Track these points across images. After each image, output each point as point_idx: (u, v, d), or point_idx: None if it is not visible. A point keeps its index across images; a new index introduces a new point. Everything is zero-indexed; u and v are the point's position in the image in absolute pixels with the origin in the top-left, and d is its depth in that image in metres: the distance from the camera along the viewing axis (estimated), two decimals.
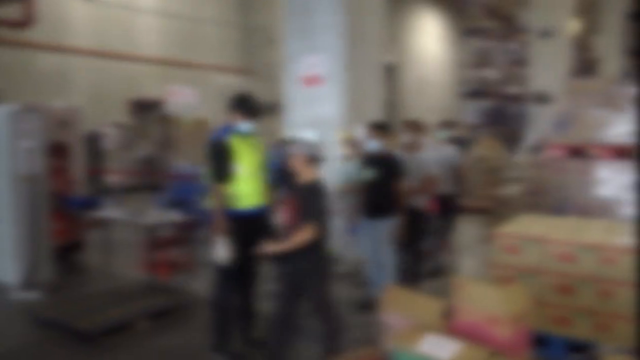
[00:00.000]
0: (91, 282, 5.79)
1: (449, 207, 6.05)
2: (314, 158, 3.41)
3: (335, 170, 5.79)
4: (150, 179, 8.77)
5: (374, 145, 4.79)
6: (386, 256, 4.77)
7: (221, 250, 3.64)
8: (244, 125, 3.82)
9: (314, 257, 3.40)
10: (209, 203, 3.77)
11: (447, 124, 6.66)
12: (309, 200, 3.34)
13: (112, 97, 11.24)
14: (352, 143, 5.75)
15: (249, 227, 3.77)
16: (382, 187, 4.71)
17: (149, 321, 4.41)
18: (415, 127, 5.39)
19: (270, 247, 3.36)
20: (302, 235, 3.28)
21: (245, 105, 3.85)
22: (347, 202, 5.39)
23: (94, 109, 9.99)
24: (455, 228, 6.39)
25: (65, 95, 10.26)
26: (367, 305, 4.75)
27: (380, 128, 4.86)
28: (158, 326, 4.40)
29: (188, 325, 4.51)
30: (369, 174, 4.79)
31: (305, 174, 3.40)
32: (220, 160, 3.70)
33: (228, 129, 3.86)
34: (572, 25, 12.86)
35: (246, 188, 3.76)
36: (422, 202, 5.20)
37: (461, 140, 7.11)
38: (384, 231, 4.74)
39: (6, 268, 5.61)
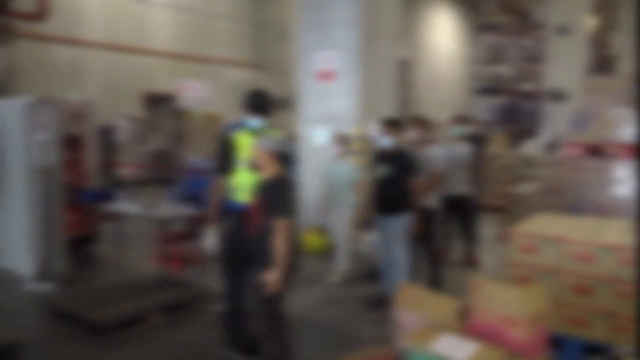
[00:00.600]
0: (104, 275, 5.82)
1: (460, 208, 5.91)
2: (279, 154, 3.32)
3: (329, 170, 5.78)
4: (163, 173, 8.78)
5: (387, 141, 4.74)
6: (398, 254, 4.72)
7: (208, 240, 3.74)
8: (254, 121, 3.83)
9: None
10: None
11: (461, 120, 6.33)
12: (274, 196, 3.25)
13: (125, 91, 11.28)
14: (342, 140, 5.72)
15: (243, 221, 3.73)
16: (395, 183, 4.67)
17: (161, 315, 4.41)
18: (422, 123, 5.32)
19: (270, 277, 3.19)
20: (281, 236, 3.17)
21: (255, 102, 3.87)
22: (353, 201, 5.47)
23: (108, 101, 10.03)
24: (473, 233, 6.17)
25: (79, 88, 10.31)
26: (380, 303, 4.72)
27: (393, 124, 4.81)
28: (170, 320, 4.40)
29: (199, 320, 4.51)
30: (382, 170, 4.76)
31: (269, 168, 3.31)
32: (222, 154, 3.76)
33: (239, 124, 3.87)
34: (589, 22, 12.68)
35: (245, 182, 3.73)
36: (430, 200, 5.13)
37: (477, 137, 6.80)
38: (397, 228, 4.70)
39: (20, 260, 5.65)
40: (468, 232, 6.09)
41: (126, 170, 8.06)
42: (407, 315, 3.09)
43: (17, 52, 9.57)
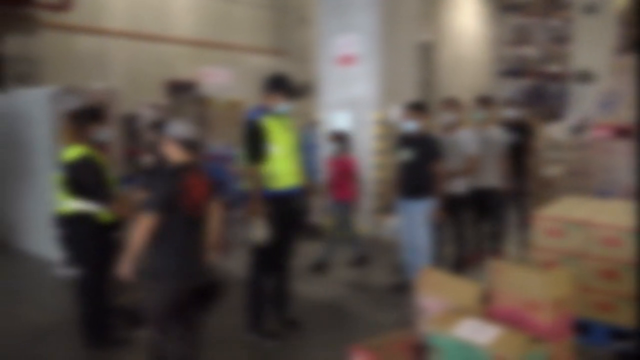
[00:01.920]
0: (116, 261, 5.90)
1: (488, 203, 5.34)
2: (186, 142, 3.05)
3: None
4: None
5: (410, 125, 4.69)
6: (421, 239, 4.68)
7: (258, 232, 3.65)
8: (282, 105, 3.78)
9: (168, 257, 2.99)
10: (245, 184, 3.77)
11: (484, 102, 5.57)
12: (153, 187, 3.00)
13: (148, 79, 11.37)
14: (336, 138, 5.58)
15: (285, 207, 3.77)
16: (418, 168, 4.61)
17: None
18: (454, 105, 5.20)
19: (123, 266, 3.00)
20: (138, 229, 2.90)
21: (285, 86, 3.81)
22: None
23: (131, 90, 10.12)
24: (500, 229, 5.55)
25: (102, 77, 10.43)
26: (402, 288, 4.71)
27: (417, 108, 4.75)
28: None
29: (222, 305, 4.56)
30: (405, 154, 4.70)
31: (175, 157, 3.06)
32: (254, 141, 3.67)
33: (262, 110, 3.81)
34: (618, 0, 12.29)
35: (282, 168, 3.74)
36: (458, 186, 5.04)
37: (522, 123, 5.92)
38: (420, 213, 4.65)
39: (49, 245, 5.78)
40: (495, 228, 5.53)
41: (149, 158, 8.13)
42: (429, 299, 3.08)
43: (42, 43, 9.70)
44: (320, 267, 5.47)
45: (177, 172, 2.99)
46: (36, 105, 5.85)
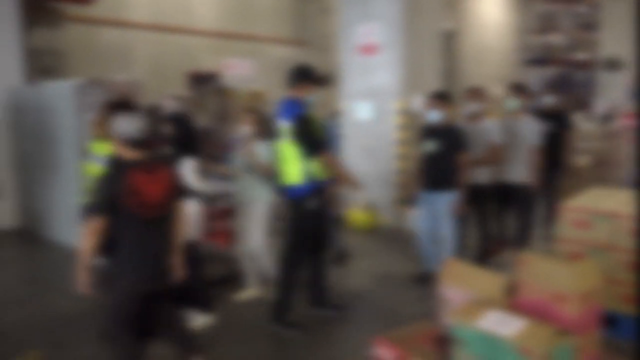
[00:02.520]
0: None
1: (514, 199, 5.09)
2: (132, 140, 2.86)
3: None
4: (208, 151, 8.93)
5: (434, 115, 4.63)
6: (446, 231, 4.64)
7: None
8: (311, 96, 3.84)
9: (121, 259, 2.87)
10: (319, 174, 3.81)
11: (518, 90, 5.11)
12: (96, 189, 2.84)
13: (171, 70, 11.46)
14: (255, 119, 4.60)
15: (322, 198, 3.88)
16: (442, 159, 4.55)
17: (209, 289, 4.51)
18: (480, 95, 5.07)
19: (78, 277, 2.84)
20: (86, 235, 2.77)
21: (312, 76, 3.84)
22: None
23: (154, 82, 10.22)
24: (526, 228, 5.20)
25: (126, 69, 10.55)
26: (423, 280, 4.68)
27: (441, 98, 4.68)
28: (217, 294, 4.50)
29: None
30: (429, 145, 4.64)
31: (124, 155, 2.88)
32: (311, 133, 3.72)
33: (296, 102, 3.79)
34: None
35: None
36: (482, 176, 4.94)
37: (560, 113, 5.57)
38: (444, 205, 4.60)
39: (76, 234, 5.89)
40: (521, 225, 5.19)
41: (168, 150, 8.22)
42: (452, 291, 3.05)
43: (67, 36, 9.85)
44: (341, 258, 5.47)
45: (121, 171, 2.80)
46: (62, 97, 5.94)
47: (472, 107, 5.01)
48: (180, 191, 3.05)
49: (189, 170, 4.03)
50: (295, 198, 3.81)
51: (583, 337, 2.58)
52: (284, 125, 3.77)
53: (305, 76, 3.81)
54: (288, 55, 13.88)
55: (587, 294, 2.64)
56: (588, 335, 2.67)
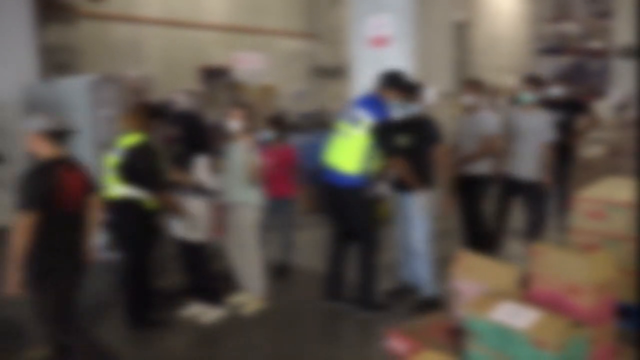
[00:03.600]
0: (168, 245, 6.05)
1: (523, 195, 4.96)
2: (52, 133, 2.91)
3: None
4: (218, 145, 8.99)
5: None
6: (416, 239, 4.18)
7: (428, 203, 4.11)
8: (395, 103, 4.04)
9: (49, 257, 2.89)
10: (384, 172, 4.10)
11: (534, 82, 4.92)
12: (22, 185, 2.85)
13: (182, 65, 11.50)
14: (245, 114, 4.29)
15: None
16: (415, 155, 4.16)
17: (218, 282, 4.54)
18: (477, 87, 4.89)
19: (9, 276, 2.82)
20: (18, 234, 2.75)
21: (404, 83, 4.12)
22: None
23: (166, 77, 10.28)
24: (536, 228, 5.03)
25: (138, 64, 10.60)
26: (397, 295, 4.42)
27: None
28: (226, 288, 4.52)
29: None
30: (401, 140, 4.24)
31: (43, 152, 2.94)
32: (393, 140, 4.03)
33: (384, 103, 4.00)
34: None
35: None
36: (480, 167, 4.75)
37: (574, 104, 5.41)
38: (415, 206, 4.18)
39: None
40: (533, 221, 5.06)
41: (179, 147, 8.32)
42: (465, 282, 3.05)
43: (80, 32, 9.92)
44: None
45: (50, 168, 2.87)
46: (76, 93, 6.00)
47: (468, 99, 4.84)
48: (92, 188, 3.16)
49: (202, 169, 4.05)
50: (346, 186, 3.99)
51: (597, 329, 2.57)
52: (365, 117, 3.93)
53: (397, 82, 4.08)
54: (299, 49, 13.86)
55: (601, 285, 2.63)
56: (602, 327, 2.66)
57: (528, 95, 4.84)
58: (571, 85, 5.98)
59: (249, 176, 4.02)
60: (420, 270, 4.18)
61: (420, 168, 4.14)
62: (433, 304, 4.04)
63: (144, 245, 3.89)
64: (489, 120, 4.80)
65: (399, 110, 4.16)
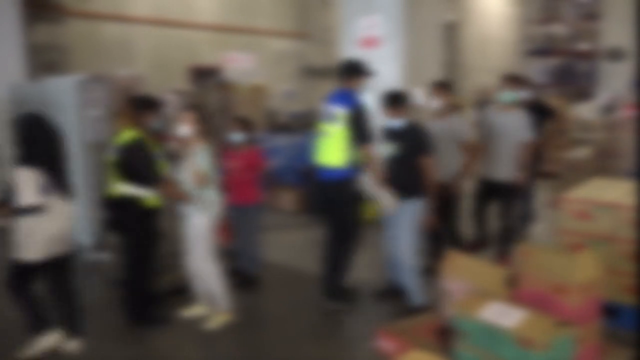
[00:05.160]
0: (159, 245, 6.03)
1: (500, 196, 4.86)
2: None
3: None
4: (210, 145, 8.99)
5: (393, 120, 4.20)
6: (402, 254, 4.03)
7: (387, 201, 3.93)
8: (363, 89, 4.12)
9: None
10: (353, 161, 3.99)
11: (514, 81, 4.83)
12: None
13: (172, 64, 11.47)
14: (196, 118, 3.90)
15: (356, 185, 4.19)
16: (403, 164, 4.00)
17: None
18: (447, 89, 4.66)
19: None
20: None
21: (365, 69, 4.12)
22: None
23: (156, 76, 10.23)
24: (510, 229, 4.92)
25: (128, 64, 10.55)
26: (385, 296, 4.30)
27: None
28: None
29: (250, 288, 4.64)
30: (388, 149, 4.08)
31: None
32: (366, 122, 3.94)
33: (353, 93, 4.01)
34: None
35: None
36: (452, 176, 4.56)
37: (538, 105, 5.36)
38: (406, 216, 4.00)
39: (79, 230, 5.93)
40: (505, 227, 4.92)
41: (175, 144, 8.26)
42: (454, 283, 3.07)
43: (69, 31, 9.86)
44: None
45: None
46: (64, 93, 5.95)
47: (435, 103, 4.61)
48: None
49: (25, 184, 3.71)
50: (335, 180, 4.00)
51: (584, 328, 2.60)
52: (339, 111, 3.94)
53: (358, 70, 4.07)
54: (289, 49, 13.86)
55: (587, 285, 2.66)
56: (589, 326, 2.69)
57: (508, 94, 4.72)
58: (542, 87, 5.96)
59: (195, 182, 3.76)
60: (405, 281, 4.05)
61: (409, 178, 3.98)
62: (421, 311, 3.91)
63: (145, 242, 3.89)
64: (461, 124, 4.61)
65: (390, 122, 4.11)
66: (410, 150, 3.99)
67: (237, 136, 4.57)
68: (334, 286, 4.13)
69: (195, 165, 3.74)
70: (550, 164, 7.34)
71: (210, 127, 4.02)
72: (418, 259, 4.08)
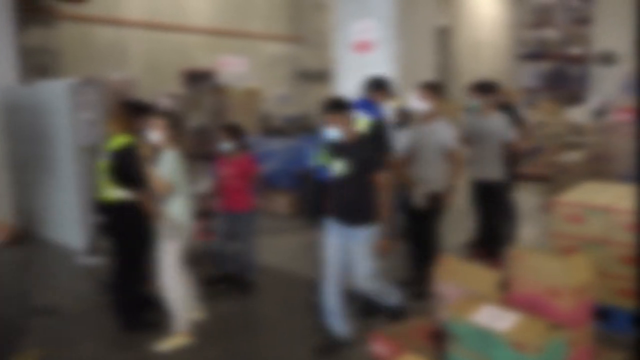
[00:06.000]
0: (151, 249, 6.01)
1: (490, 198, 4.84)
2: None
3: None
4: (203, 149, 8.95)
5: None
6: (364, 281, 3.55)
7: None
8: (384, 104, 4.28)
9: None
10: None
11: (482, 89, 4.89)
12: None
13: (166, 68, 11.44)
14: (165, 124, 3.70)
15: None
16: (355, 184, 3.47)
17: (204, 287, 4.52)
18: (433, 92, 4.45)
19: None
20: None
21: (389, 88, 4.40)
22: None
23: (149, 80, 10.22)
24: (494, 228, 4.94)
25: (121, 67, 10.52)
26: (333, 349, 3.59)
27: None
28: (213, 292, 4.51)
29: (245, 292, 4.62)
30: (336, 166, 3.51)
31: None
32: (387, 137, 4.16)
33: (376, 106, 4.22)
34: None
35: None
36: (436, 185, 4.34)
37: (507, 109, 5.28)
38: (360, 244, 3.47)
39: (72, 234, 5.90)
40: (490, 228, 4.93)
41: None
42: (447, 286, 3.08)
43: (61, 34, 9.81)
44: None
45: None
46: (57, 96, 5.94)
47: (421, 106, 4.41)
48: None
49: None
50: None
51: (576, 331, 2.61)
52: (361, 116, 4.03)
53: (384, 87, 4.34)
54: (283, 53, 13.87)
55: (580, 288, 2.68)
56: (581, 329, 2.70)
57: (475, 102, 4.88)
58: (550, 90, 5.94)
59: (157, 190, 3.59)
60: (372, 293, 3.68)
61: (361, 201, 3.47)
62: (401, 312, 3.81)
63: (138, 247, 3.88)
64: (446, 131, 4.38)
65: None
66: (360, 166, 3.42)
67: (226, 145, 4.51)
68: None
69: (158, 172, 3.60)
70: (542, 167, 7.37)
71: (181, 132, 3.89)
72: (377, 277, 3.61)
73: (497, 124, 4.83)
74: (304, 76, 13.86)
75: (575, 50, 16.34)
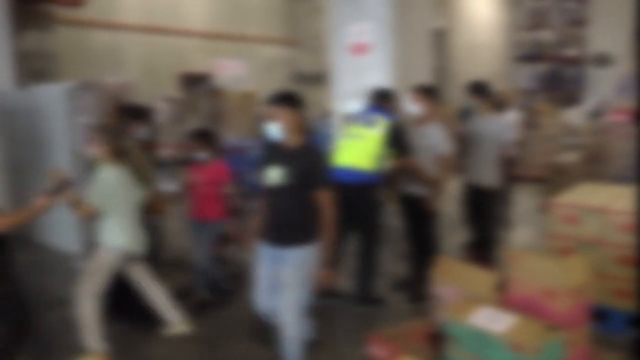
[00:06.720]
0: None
1: (484, 204, 4.77)
2: None
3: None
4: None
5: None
6: (289, 319, 2.94)
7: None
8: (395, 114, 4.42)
9: None
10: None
11: (477, 89, 4.82)
12: None
13: (162, 72, 11.45)
14: (105, 139, 3.57)
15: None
16: (293, 196, 2.94)
17: (205, 290, 4.52)
18: (427, 95, 4.43)
19: None
20: None
21: (395, 100, 4.61)
22: None
23: (146, 83, 10.21)
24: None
25: (118, 71, 10.52)
26: None
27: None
28: (213, 295, 4.50)
29: (240, 295, 4.62)
30: (272, 175, 2.97)
31: None
32: (405, 139, 4.22)
33: (387, 111, 4.34)
34: None
35: None
36: (419, 189, 4.29)
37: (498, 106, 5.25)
38: (293, 269, 2.91)
39: (69, 239, 5.89)
40: (482, 232, 4.88)
41: (165, 151, 8.24)
42: (445, 288, 3.08)
43: (57, 38, 9.81)
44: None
45: None
46: (53, 101, 5.93)
47: (414, 109, 4.39)
48: None
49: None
50: (361, 183, 4.12)
51: (573, 332, 2.62)
52: (380, 118, 4.21)
53: (388, 98, 4.50)
54: (279, 55, 13.89)
55: (576, 289, 2.68)
56: (578, 330, 2.71)
57: (474, 103, 4.85)
58: (546, 91, 5.97)
59: (74, 213, 3.43)
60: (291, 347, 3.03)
61: (296, 214, 2.95)
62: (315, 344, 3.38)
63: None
64: (436, 135, 4.31)
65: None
66: (303, 177, 2.91)
67: (201, 155, 4.40)
68: (367, 291, 4.26)
69: (90, 191, 3.42)
70: (539, 169, 7.40)
71: (123, 146, 3.67)
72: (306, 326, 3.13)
73: (493, 125, 4.74)
74: (300, 79, 13.88)
75: (571, 52, 16.41)
